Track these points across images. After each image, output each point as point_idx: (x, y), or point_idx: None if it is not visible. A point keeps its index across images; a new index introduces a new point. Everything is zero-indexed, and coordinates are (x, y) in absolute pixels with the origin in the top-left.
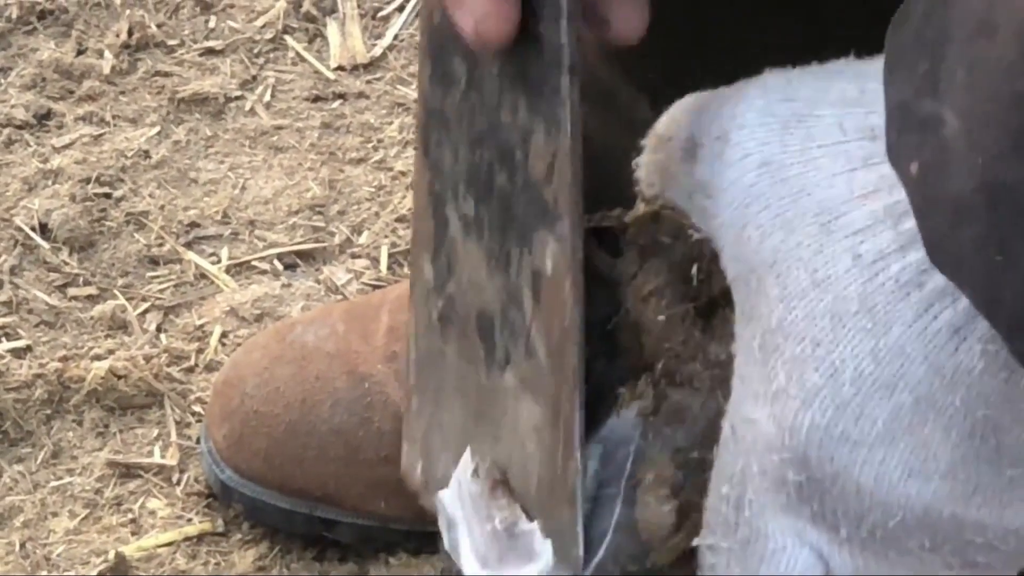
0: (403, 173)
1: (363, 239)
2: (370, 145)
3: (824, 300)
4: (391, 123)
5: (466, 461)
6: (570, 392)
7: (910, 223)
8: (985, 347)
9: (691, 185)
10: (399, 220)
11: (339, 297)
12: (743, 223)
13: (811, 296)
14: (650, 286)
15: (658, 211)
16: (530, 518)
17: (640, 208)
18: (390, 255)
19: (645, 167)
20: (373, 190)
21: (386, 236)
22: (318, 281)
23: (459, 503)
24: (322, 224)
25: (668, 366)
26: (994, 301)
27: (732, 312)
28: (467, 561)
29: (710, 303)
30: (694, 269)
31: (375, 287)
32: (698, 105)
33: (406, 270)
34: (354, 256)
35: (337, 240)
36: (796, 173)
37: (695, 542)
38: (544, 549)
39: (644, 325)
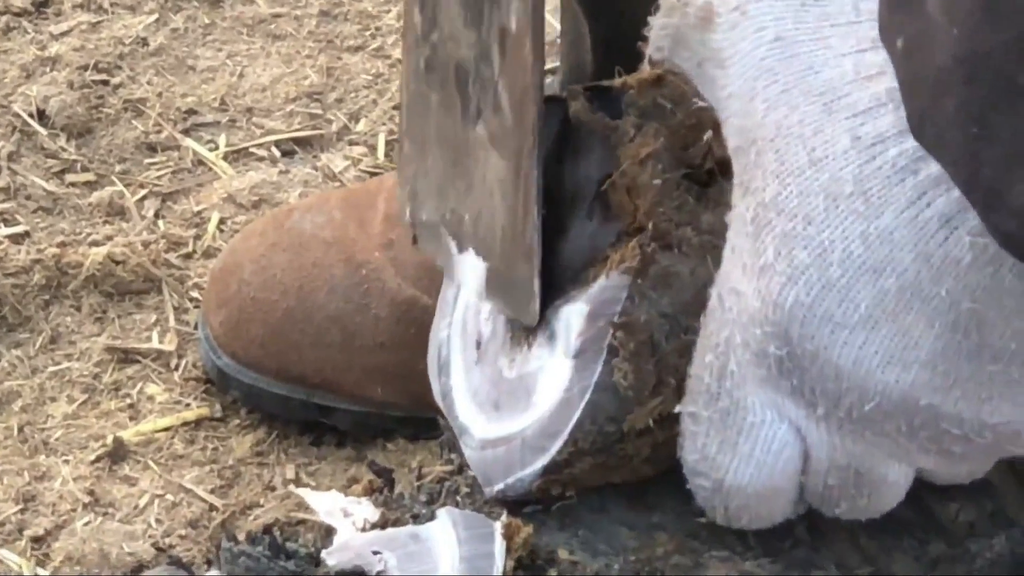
0: (401, 61)
1: (360, 126)
2: (368, 33)
3: (820, 179)
4: (389, 11)
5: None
6: (530, 149)
7: None
8: (974, 239)
9: (703, 53)
10: (397, 108)
11: (336, 184)
12: (751, 95)
13: (807, 174)
14: (647, 149)
15: (662, 75)
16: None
17: (645, 70)
18: (387, 142)
19: (656, 30)
20: (371, 78)
21: (383, 123)
22: (315, 168)
23: (459, 342)
24: (320, 111)
25: (660, 229)
26: (972, 175)
27: (729, 183)
28: (461, 406)
29: (708, 172)
30: (702, 137)
31: (372, 174)
32: None
33: None
34: (351, 143)
35: (335, 127)
36: (807, 51)
37: (677, 408)
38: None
39: (639, 187)
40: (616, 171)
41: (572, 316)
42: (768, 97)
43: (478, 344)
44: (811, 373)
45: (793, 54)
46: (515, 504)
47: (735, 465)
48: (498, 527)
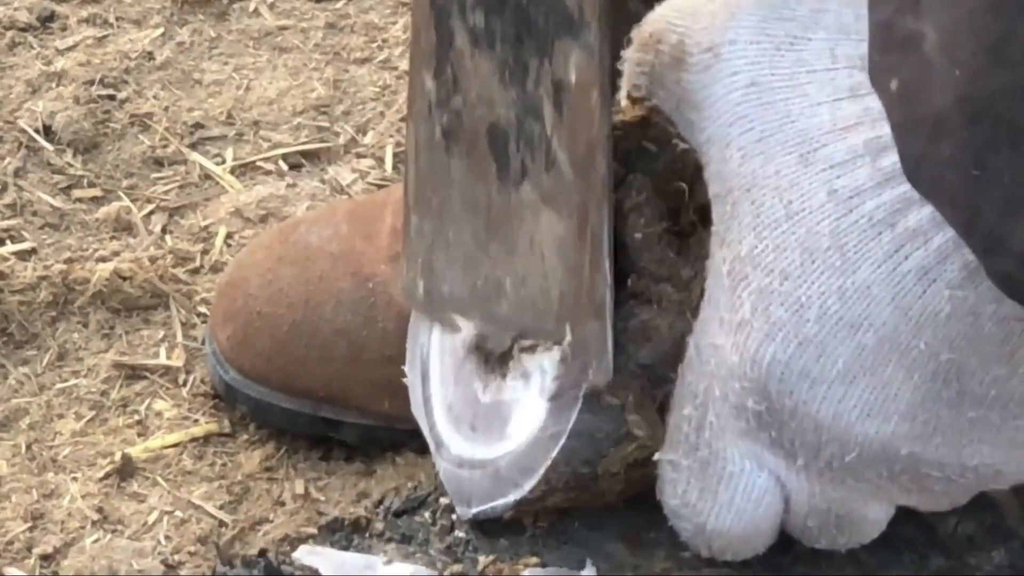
0: (408, 73)
1: (368, 139)
2: (374, 45)
3: (796, 233)
4: (395, 22)
5: (460, 324)
6: (598, 203)
7: (888, 159)
8: (953, 292)
9: (679, 93)
10: (404, 119)
11: (344, 197)
12: (726, 141)
13: (783, 228)
14: (631, 202)
15: (647, 116)
16: (546, 337)
17: (628, 109)
18: (395, 154)
19: (632, 66)
20: (378, 90)
21: (391, 136)
22: (323, 181)
23: (438, 351)
24: (327, 124)
25: (639, 284)
26: (971, 218)
27: (709, 231)
28: (439, 418)
29: (688, 223)
30: (679, 184)
31: (380, 187)
32: (691, 9)
33: None
34: (359, 156)
35: (342, 140)
36: (783, 98)
37: (657, 456)
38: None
39: (620, 240)
40: None
41: (548, 361)
42: (743, 145)
43: (453, 359)
44: (790, 427)
45: (769, 101)
46: (512, 527)
47: (716, 511)
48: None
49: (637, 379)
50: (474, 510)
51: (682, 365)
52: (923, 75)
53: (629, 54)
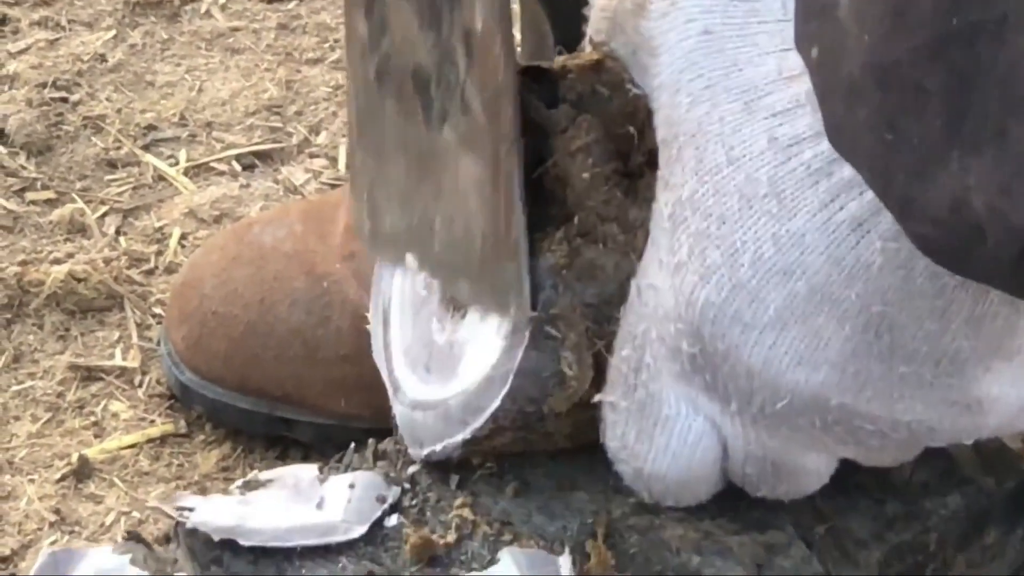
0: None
1: (321, 139)
2: (326, 45)
3: (735, 179)
4: None
5: (411, 262)
6: (508, 148)
7: None
8: (886, 243)
9: (637, 40)
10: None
11: (297, 197)
12: (676, 87)
13: (724, 173)
14: (579, 142)
15: (601, 60)
16: (470, 279)
17: (585, 53)
18: (348, 154)
19: (596, 11)
20: (330, 90)
21: (343, 135)
22: (276, 181)
23: (399, 297)
24: (280, 124)
25: (586, 223)
26: (887, 182)
27: (656, 177)
28: (397, 362)
29: (638, 165)
30: (629, 128)
31: (333, 186)
32: None
33: None
34: (312, 156)
35: (295, 140)
36: (733, 47)
37: (597, 397)
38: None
39: (569, 179)
40: (548, 160)
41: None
42: (692, 92)
43: (413, 302)
44: (723, 371)
45: (719, 49)
46: (470, 468)
47: (652, 455)
48: (563, 562)
49: (584, 319)
50: (425, 451)
51: (624, 307)
52: (838, 41)
53: (594, 1)
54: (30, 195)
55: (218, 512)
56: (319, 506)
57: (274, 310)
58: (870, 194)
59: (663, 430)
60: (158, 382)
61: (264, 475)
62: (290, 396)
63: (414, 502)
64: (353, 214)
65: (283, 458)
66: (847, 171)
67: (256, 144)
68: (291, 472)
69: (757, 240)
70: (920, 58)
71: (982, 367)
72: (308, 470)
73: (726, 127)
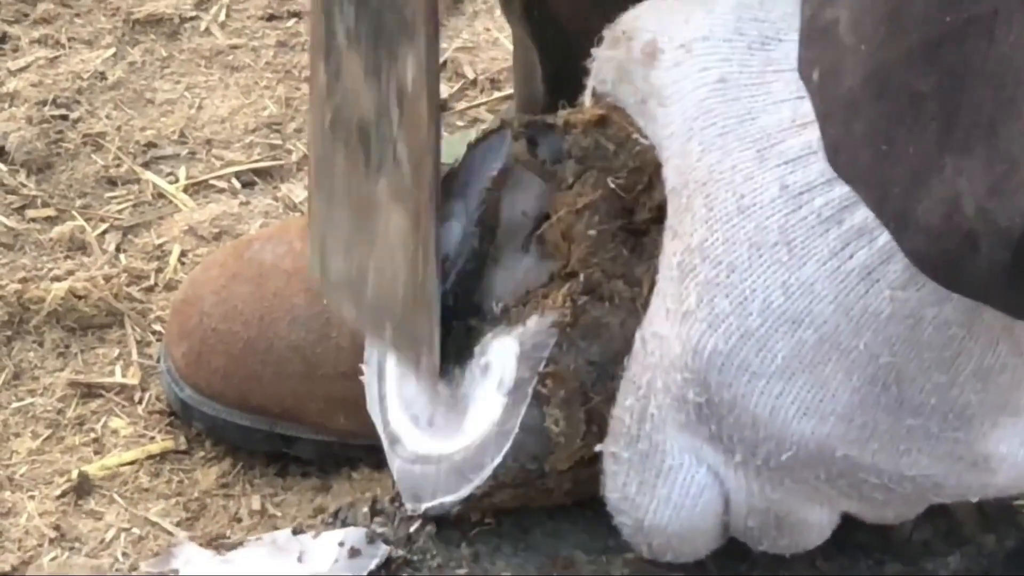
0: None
1: None
2: None
3: (746, 227)
4: None
5: (349, 313)
6: (427, 203)
7: None
8: (894, 292)
9: (646, 89)
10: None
11: (297, 214)
12: (688, 135)
13: (735, 221)
14: (584, 200)
15: (605, 115)
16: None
17: (588, 106)
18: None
19: (601, 62)
20: None
21: None
22: (276, 198)
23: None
24: (279, 142)
25: (592, 281)
26: (883, 195)
27: (663, 229)
28: (394, 415)
29: (643, 222)
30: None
31: None
32: (667, 8)
33: None
34: None
35: (294, 157)
36: (748, 95)
37: (598, 448)
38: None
39: (574, 235)
40: (553, 215)
41: (507, 355)
42: (704, 139)
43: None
44: (728, 421)
45: (735, 97)
46: (468, 526)
47: (654, 507)
48: None
49: (578, 376)
50: (424, 505)
51: (628, 357)
52: (838, 59)
53: (599, 51)
54: (30, 212)
55: (200, 571)
56: (299, 559)
57: (274, 327)
58: (879, 242)
59: (665, 481)
60: (158, 399)
61: (239, 538)
62: (290, 413)
63: (413, 559)
64: (309, 258)
65: (283, 475)
66: (857, 218)
67: (256, 161)
68: (267, 535)
69: (767, 288)
70: (914, 59)
71: (989, 422)
72: (282, 531)
73: (737, 175)
